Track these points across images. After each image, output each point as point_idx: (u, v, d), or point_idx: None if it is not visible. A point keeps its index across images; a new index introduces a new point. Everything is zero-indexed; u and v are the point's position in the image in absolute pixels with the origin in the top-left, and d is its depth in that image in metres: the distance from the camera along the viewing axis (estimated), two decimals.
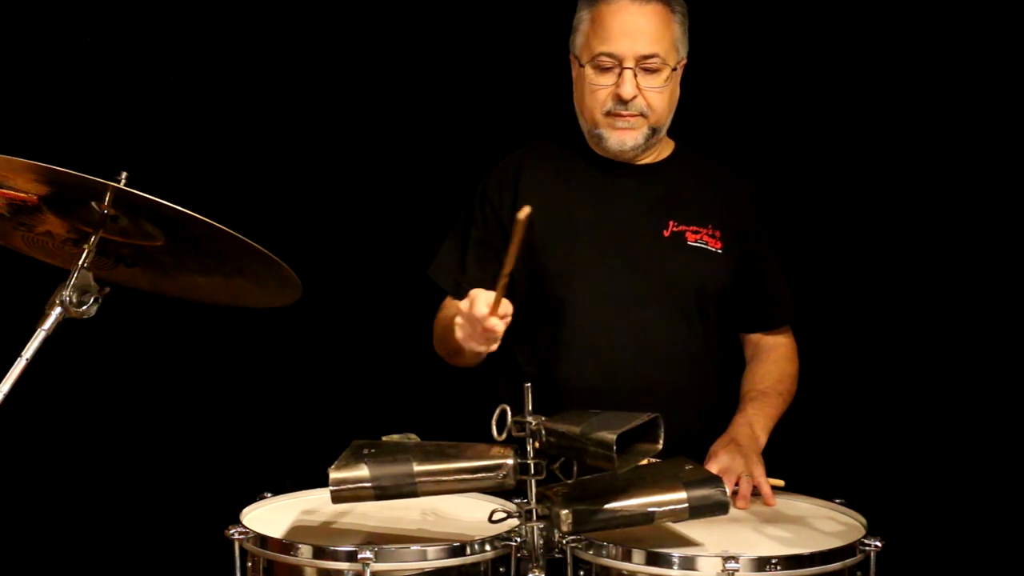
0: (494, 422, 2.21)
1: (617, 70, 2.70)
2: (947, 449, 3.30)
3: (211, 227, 2.13)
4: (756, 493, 2.57)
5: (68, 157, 2.13)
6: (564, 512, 2.18)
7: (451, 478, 2.23)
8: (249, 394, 3.51)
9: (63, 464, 3.47)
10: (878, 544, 2.26)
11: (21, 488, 3.45)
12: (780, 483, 2.59)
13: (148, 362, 3.49)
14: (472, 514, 2.46)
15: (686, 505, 2.23)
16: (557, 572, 2.26)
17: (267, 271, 2.26)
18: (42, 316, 2.16)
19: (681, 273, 2.77)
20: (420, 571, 2.21)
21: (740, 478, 2.57)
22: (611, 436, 2.11)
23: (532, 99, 3.31)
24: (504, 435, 2.20)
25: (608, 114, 2.73)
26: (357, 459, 2.23)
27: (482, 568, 2.24)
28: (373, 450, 2.25)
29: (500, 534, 2.26)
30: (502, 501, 2.47)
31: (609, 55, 2.70)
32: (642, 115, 2.73)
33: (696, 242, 2.79)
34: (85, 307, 2.19)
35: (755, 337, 2.90)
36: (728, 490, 2.33)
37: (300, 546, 2.24)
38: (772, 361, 2.86)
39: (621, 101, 2.71)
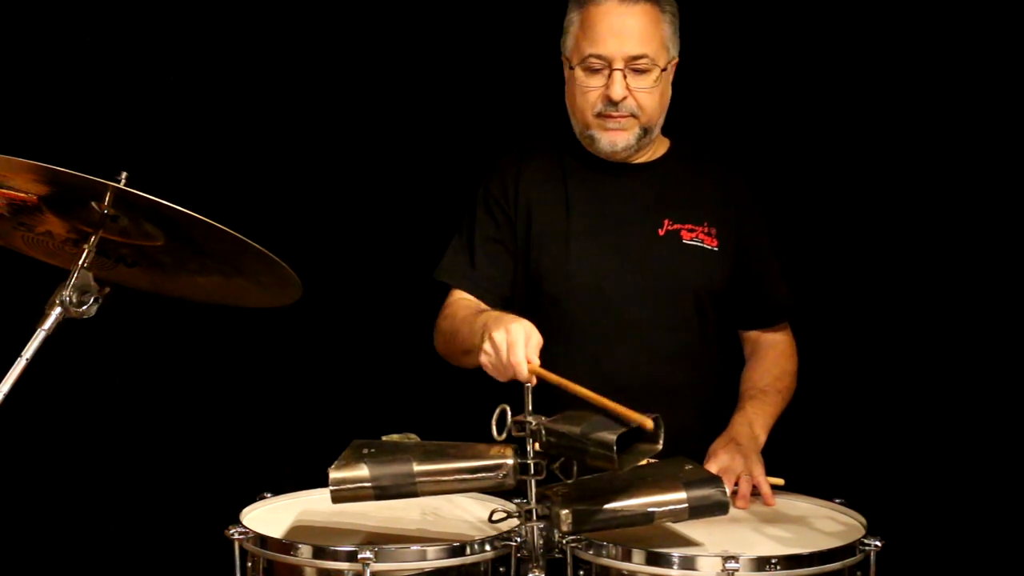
0: (494, 422, 2.21)
1: (607, 71, 2.70)
2: (947, 449, 3.30)
3: (211, 227, 2.13)
4: (756, 493, 2.57)
5: (68, 157, 2.13)
6: (564, 512, 2.19)
7: (451, 478, 2.24)
8: (249, 394, 3.51)
9: (63, 464, 3.47)
10: (878, 544, 2.26)
11: (21, 488, 3.45)
12: (780, 482, 2.59)
13: (148, 362, 3.49)
14: (472, 514, 2.46)
15: (686, 505, 2.24)
16: (557, 572, 2.26)
17: (267, 271, 2.26)
18: (42, 316, 2.16)
19: (677, 272, 2.77)
20: (420, 571, 2.21)
21: (740, 478, 2.57)
22: (611, 436, 2.12)
23: (531, 99, 3.30)
24: (504, 435, 2.20)
25: (599, 115, 2.73)
26: (357, 459, 2.23)
27: (482, 568, 2.24)
28: (373, 450, 2.25)
29: (500, 534, 2.26)
30: (502, 501, 2.47)
31: (598, 57, 2.70)
32: (633, 116, 2.73)
33: (691, 240, 2.79)
34: (85, 307, 2.19)
35: (753, 334, 2.90)
36: (728, 490, 2.33)
37: (300, 546, 2.24)
38: (771, 359, 2.87)
39: (611, 102, 2.71)
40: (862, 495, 2.51)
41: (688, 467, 2.33)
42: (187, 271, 2.37)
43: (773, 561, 2.19)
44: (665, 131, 2.84)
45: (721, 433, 2.69)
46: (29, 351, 2.13)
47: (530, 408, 2.21)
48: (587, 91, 2.73)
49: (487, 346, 2.41)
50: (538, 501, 2.23)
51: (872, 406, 3.36)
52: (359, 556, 2.15)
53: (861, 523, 2.40)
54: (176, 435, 3.49)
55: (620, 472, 2.18)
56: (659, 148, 2.87)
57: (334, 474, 2.21)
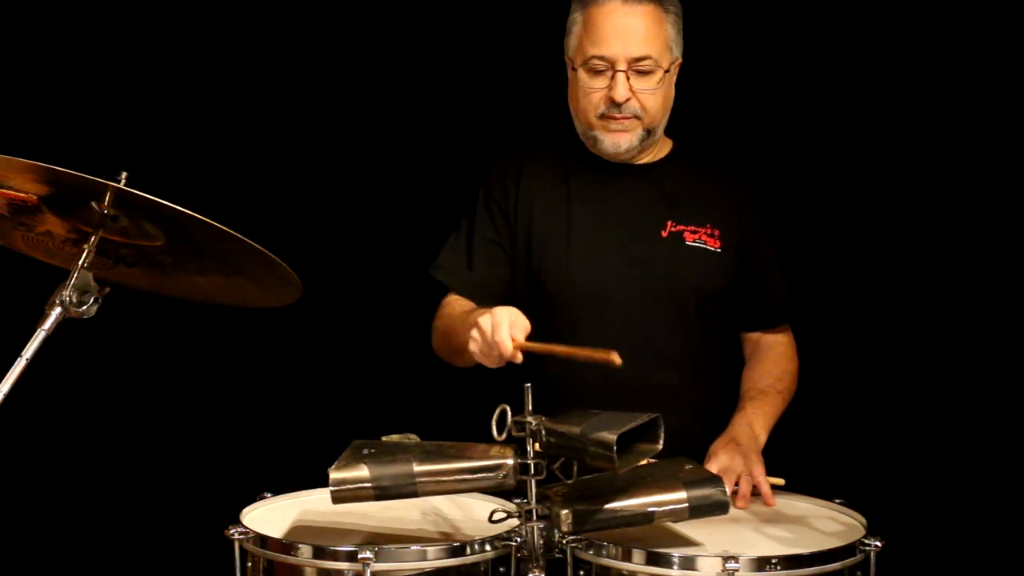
0: (494, 422, 2.21)
1: (610, 73, 2.69)
2: (947, 449, 3.30)
3: (211, 227, 2.13)
4: (756, 492, 2.57)
5: (68, 157, 2.13)
6: (564, 512, 2.19)
7: (451, 478, 2.24)
8: (249, 394, 3.51)
9: (63, 464, 3.47)
10: (878, 544, 2.26)
11: (21, 488, 3.45)
12: (780, 482, 2.59)
13: (148, 362, 3.49)
14: (472, 514, 2.46)
15: (686, 505, 2.24)
16: (557, 572, 2.26)
17: (267, 271, 2.26)
18: (42, 316, 2.16)
19: (679, 273, 2.77)
20: (420, 571, 2.21)
21: (740, 478, 2.57)
22: (611, 436, 2.12)
23: (531, 99, 3.31)
24: (504, 435, 2.20)
25: (602, 117, 2.73)
26: (357, 459, 2.23)
27: (482, 568, 2.24)
28: (373, 450, 2.25)
29: (500, 534, 2.26)
30: (502, 501, 2.47)
31: (601, 58, 2.69)
32: (636, 117, 2.72)
33: (694, 242, 2.79)
34: (85, 307, 2.19)
35: (754, 336, 2.90)
36: (728, 490, 2.33)
37: (300, 546, 2.24)
38: (771, 360, 2.87)
39: (614, 104, 2.70)
40: (862, 495, 2.50)
41: (688, 467, 2.33)
42: (187, 271, 2.37)
43: (773, 561, 2.19)
44: (668, 131, 2.84)
45: (721, 433, 2.69)
46: (29, 351, 2.13)
47: (530, 408, 2.21)
48: (590, 92, 2.73)
49: (474, 332, 2.44)
50: (538, 501, 2.23)
51: (872, 406, 3.36)
52: (359, 556, 2.15)
53: (861, 523, 2.40)
54: (176, 435, 3.49)
55: (620, 472, 2.17)
56: (662, 149, 2.87)
57: (334, 474, 2.21)
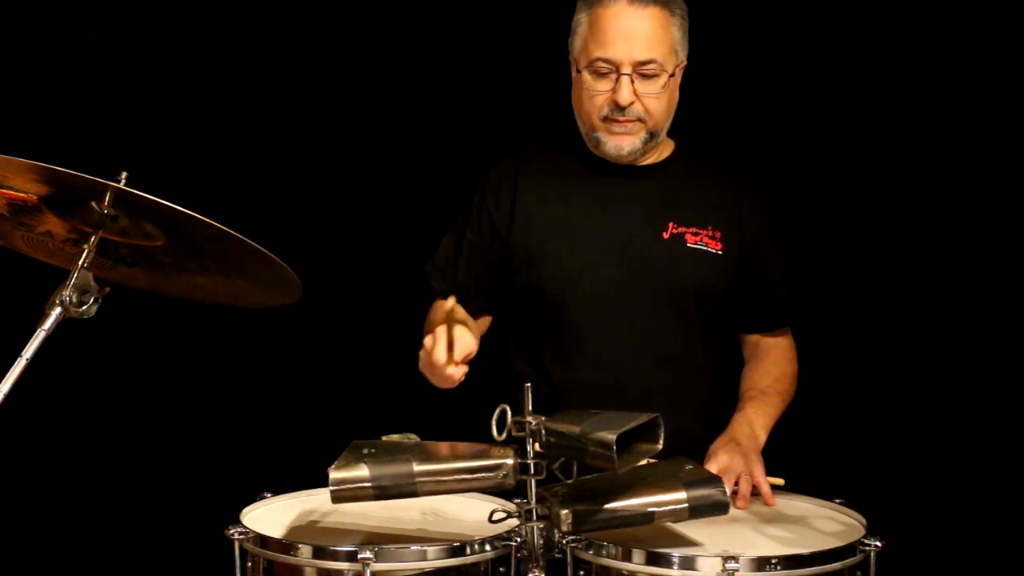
0: (494, 422, 2.21)
1: (614, 75, 2.68)
2: (947, 449, 3.30)
3: (211, 227, 2.13)
4: (756, 493, 2.57)
5: (68, 157, 2.13)
6: (564, 512, 2.18)
7: (451, 478, 2.24)
8: (249, 394, 3.51)
9: (63, 464, 3.48)
10: (878, 544, 2.26)
11: (21, 488, 3.45)
12: (780, 482, 2.59)
13: (148, 362, 3.49)
14: (472, 514, 2.46)
15: (686, 505, 2.23)
16: (557, 572, 2.26)
17: (267, 271, 2.26)
18: (42, 316, 2.16)
19: (681, 274, 2.77)
20: (420, 571, 2.21)
21: (740, 478, 2.57)
22: (611, 436, 2.11)
23: (532, 99, 3.31)
24: (504, 435, 2.20)
25: (605, 119, 2.72)
26: (357, 459, 2.23)
27: (482, 568, 2.24)
28: (373, 450, 2.25)
29: (500, 534, 2.26)
30: (502, 501, 2.47)
31: (606, 61, 2.68)
32: (640, 120, 2.71)
33: (696, 244, 2.78)
34: (85, 307, 2.19)
35: (754, 338, 2.90)
36: (728, 490, 2.33)
37: (300, 546, 2.24)
38: (771, 361, 2.86)
39: (618, 107, 2.69)
40: (862, 495, 2.50)
41: (688, 467, 2.33)
42: (187, 271, 2.37)
43: (773, 561, 2.18)
44: (671, 132, 2.83)
45: (721, 433, 2.69)
46: (29, 351, 2.13)
47: (530, 408, 2.21)
48: (594, 95, 2.72)
49: (421, 350, 2.50)
50: (538, 501, 2.23)
51: (872, 406, 3.36)
52: (359, 556, 2.15)
53: (861, 523, 2.40)
54: (176, 435, 3.50)
55: (620, 472, 2.17)
56: (664, 150, 2.86)
57: (334, 474, 2.21)
